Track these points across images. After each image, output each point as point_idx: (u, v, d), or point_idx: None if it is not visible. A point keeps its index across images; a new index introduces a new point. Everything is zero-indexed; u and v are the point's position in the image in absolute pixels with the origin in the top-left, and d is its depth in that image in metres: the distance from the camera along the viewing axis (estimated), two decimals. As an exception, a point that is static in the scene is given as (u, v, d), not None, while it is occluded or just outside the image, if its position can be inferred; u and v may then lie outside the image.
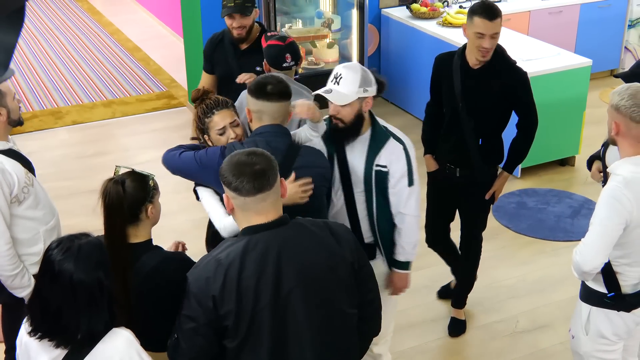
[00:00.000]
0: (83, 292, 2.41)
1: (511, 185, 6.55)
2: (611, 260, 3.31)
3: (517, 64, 4.40)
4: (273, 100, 3.30)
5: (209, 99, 3.65)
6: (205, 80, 4.91)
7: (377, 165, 3.57)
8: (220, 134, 3.57)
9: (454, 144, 4.47)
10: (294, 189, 3.19)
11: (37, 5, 12.54)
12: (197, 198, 3.54)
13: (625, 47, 8.74)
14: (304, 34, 7.43)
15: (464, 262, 4.81)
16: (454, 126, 4.44)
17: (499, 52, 4.33)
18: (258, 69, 4.51)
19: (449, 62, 4.41)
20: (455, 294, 4.93)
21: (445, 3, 7.91)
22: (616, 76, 3.99)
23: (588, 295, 3.47)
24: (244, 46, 4.72)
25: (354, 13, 7.37)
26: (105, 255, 2.52)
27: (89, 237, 2.51)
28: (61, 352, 2.46)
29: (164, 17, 11.20)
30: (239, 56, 4.71)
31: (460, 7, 7.76)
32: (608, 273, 3.34)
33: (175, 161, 3.46)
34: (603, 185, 3.55)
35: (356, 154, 3.59)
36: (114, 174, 2.89)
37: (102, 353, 2.44)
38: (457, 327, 4.87)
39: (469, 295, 4.92)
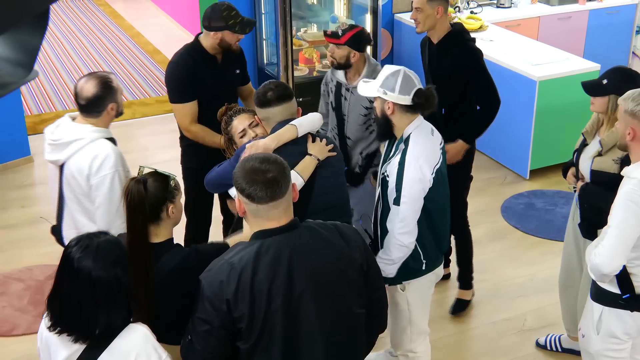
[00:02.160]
0: (101, 288, 2.45)
1: (520, 186, 6.62)
2: (626, 262, 3.33)
3: (473, 43, 4.49)
4: (274, 105, 3.49)
5: (230, 110, 3.87)
6: (191, 109, 4.46)
7: (383, 173, 3.61)
8: (242, 136, 3.76)
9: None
10: (323, 148, 3.50)
11: (61, 9, 12.63)
12: (229, 196, 3.68)
13: (633, 53, 8.70)
14: (319, 38, 7.48)
15: (456, 241, 4.94)
16: None
17: (456, 30, 4.48)
18: (238, 71, 4.62)
19: (427, 39, 4.64)
20: (459, 276, 5.03)
21: (457, 8, 7.90)
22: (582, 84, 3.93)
23: (600, 296, 3.49)
24: (219, 56, 4.52)
25: (368, 18, 7.38)
26: (123, 252, 2.56)
27: (107, 235, 2.57)
28: (80, 347, 2.50)
29: (183, 21, 11.25)
30: (221, 67, 4.54)
31: (472, 12, 7.78)
32: (622, 274, 3.36)
33: (213, 175, 3.63)
34: (574, 190, 3.64)
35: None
36: (138, 174, 2.94)
37: (120, 348, 2.49)
38: (458, 307, 5.00)
39: (479, 294, 4.98)
